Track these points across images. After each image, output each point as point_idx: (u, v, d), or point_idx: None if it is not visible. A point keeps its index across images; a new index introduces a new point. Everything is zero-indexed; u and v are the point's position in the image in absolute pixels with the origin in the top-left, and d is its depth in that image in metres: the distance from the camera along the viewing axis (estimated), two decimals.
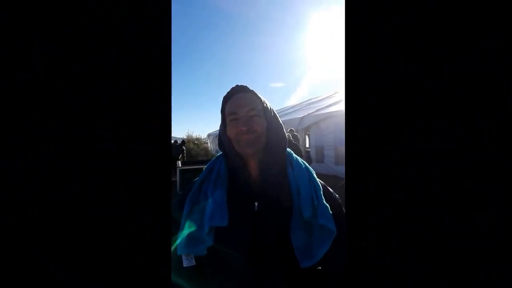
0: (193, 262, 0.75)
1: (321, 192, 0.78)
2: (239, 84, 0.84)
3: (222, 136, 0.83)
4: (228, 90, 0.84)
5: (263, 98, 0.84)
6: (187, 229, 0.75)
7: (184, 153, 12.09)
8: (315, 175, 0.83)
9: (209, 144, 21.09)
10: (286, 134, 0.87)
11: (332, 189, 0.86)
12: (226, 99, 0.83)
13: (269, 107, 0.83)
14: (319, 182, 0.81)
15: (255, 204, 0.76)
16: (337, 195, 0.85)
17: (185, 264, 0.75)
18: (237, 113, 0.78)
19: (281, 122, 0.85)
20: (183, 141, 13.18)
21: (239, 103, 0.79)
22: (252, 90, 0.83)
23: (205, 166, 0.87)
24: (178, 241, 0.75)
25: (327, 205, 0.75)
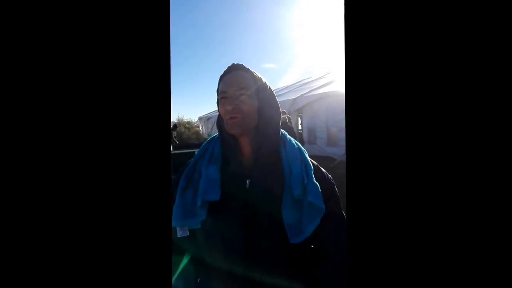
0: (187, 233, 0.77)
1: (312, 172, 0.80)
2: (235, 63, 0.83)
3: (219, 115, 0.84)
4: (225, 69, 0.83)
5: (259, 77, 0.83)
6: (181, 203, 0.77)
7: (174, 136, 11.91)
8: (307, 155, 0.84)
9: (200, 128, 20.87)
10: (282, 116, 0.88)
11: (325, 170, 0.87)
12: (221, 78, 0.82)
13: (265, 87, 0.82)
14: (311, 162, 0.83)
15: (246, 182, 0.77)
16: (330, 175, 0.86)
17: (179, 234, 0.77)
18: (226, 91, 0.78)
19: (277, 102, 0.85)
20: (175, 125, 12.96)
21: (229, 82, 0.79)
22: (248, 69, 0.82)
23: (198, 149, 0.88)
24: (173, 214, 0.76)
25: (317, 183, 0.77)
